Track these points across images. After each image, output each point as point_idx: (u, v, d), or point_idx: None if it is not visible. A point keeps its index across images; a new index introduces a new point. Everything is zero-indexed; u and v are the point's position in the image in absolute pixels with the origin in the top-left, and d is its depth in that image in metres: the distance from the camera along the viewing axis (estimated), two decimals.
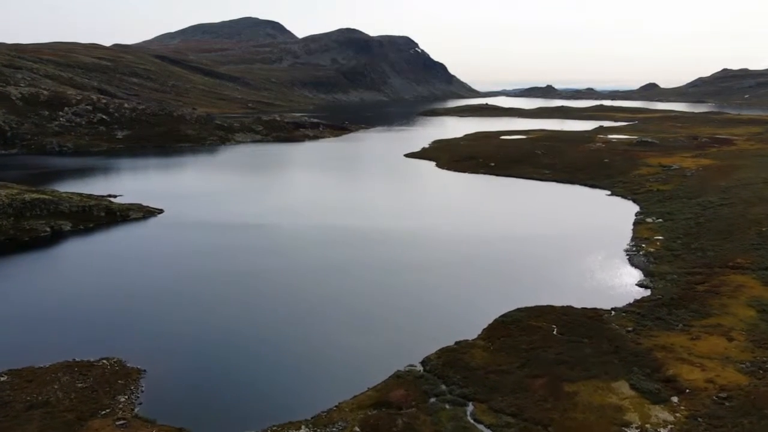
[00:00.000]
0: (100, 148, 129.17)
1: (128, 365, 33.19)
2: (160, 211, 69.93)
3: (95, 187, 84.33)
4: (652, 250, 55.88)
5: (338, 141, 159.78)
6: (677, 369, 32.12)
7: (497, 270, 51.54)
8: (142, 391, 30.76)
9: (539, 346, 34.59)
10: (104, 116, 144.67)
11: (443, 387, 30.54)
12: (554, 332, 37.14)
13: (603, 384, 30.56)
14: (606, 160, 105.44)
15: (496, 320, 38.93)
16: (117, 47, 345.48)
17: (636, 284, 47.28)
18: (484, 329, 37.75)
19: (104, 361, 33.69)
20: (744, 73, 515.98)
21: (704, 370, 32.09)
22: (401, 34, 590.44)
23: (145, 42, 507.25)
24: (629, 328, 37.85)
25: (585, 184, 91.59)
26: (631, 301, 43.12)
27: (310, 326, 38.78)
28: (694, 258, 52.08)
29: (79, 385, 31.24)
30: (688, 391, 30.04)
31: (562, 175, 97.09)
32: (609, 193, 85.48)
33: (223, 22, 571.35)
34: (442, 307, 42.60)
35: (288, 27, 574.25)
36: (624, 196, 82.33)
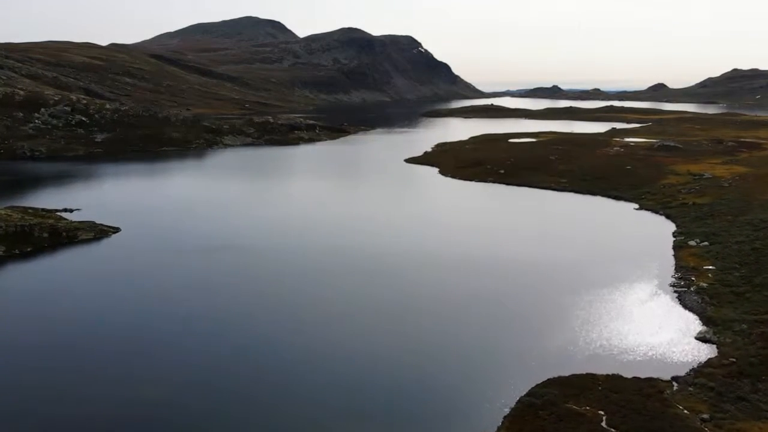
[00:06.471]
0: (76, 153, 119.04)
1: None
2: (116, 230, 59.64)
3: (53, 199, 74.39)
4: (704, 285, 45.45)
5: (335, 144, 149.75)
6: None
7: (515, 315, 41.04)
8: None
9: None
10: (83, 118, 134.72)
11: None
12: (603, 423, 26.87)
13: None
14: (628, 167, 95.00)
15: (521, 401, 28.59)
16: (113, 47, 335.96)
17: (696, 337, 36.84)
18: (505, 417, 27.41)
19: None
20: (754, 73, 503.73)
21: None
22: (404, 33, 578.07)
23: (144, 42, 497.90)
24: (704, 416, 27.56)
25: (608, 196, 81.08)
26: (695, 366, 32.77)
27: (271, 419, 28.55)
28: (762, 297, 41.64)
29: None
30: None
31: (582, 185, 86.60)
32: (637, 206, 74.94)
33: (224, 22, 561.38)
34: (446, 376, 32.10)
35: (289, 26, 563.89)
36: (655, 211, 71.79)
